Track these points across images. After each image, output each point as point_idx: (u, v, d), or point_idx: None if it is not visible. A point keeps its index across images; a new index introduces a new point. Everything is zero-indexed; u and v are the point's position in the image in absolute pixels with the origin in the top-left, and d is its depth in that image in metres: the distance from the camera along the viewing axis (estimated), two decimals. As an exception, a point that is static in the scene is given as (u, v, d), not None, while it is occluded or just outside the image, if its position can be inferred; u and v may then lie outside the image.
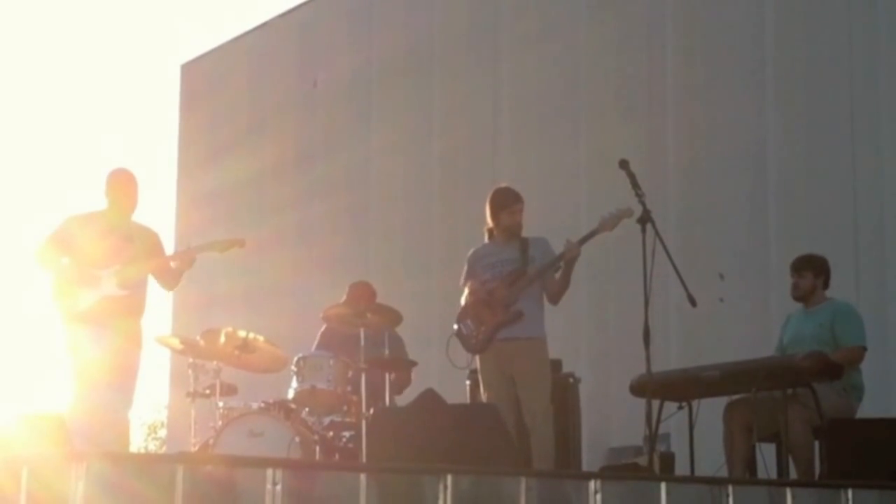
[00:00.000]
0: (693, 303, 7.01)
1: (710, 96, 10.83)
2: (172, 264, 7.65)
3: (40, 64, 40.84)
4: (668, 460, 8.04)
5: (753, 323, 9.82)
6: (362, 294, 8.45)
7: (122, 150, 39.02)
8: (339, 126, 14.07)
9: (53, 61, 41.88)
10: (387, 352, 7.90)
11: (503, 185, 7.75)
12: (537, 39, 12.22)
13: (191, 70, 16.29)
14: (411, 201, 13.19)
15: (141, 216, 7.69)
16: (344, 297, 8.50)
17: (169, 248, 7.97)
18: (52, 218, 7.59)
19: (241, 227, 13.97)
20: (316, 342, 8.62)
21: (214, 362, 7.86)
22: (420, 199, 13.08)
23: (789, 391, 7.09)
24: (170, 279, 7.60)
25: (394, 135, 13.50)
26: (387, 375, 7.85)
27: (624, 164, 7.15)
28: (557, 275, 7.40)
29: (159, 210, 17.34)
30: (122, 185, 7.57)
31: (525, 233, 7.52)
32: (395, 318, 7.94)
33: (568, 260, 7.26)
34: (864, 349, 7.57)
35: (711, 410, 7.54)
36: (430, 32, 13.30)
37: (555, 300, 7.47)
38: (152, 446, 26.54)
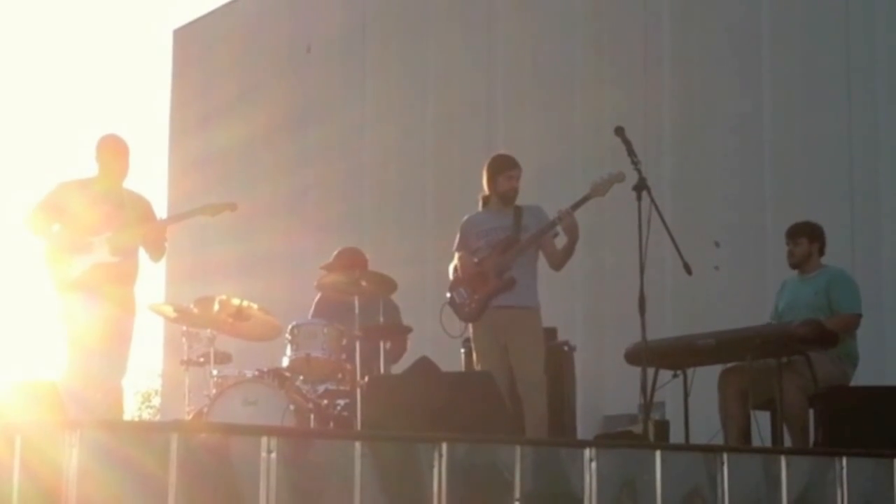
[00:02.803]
0: (688, 270, 7.00)
1: (705, 62, 10.80)
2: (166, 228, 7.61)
3: (32, 29, 40.65)
4: (662, 428, 8.04)
5: (749, 290, 9.82)
6: (352, 261, 8.42)
7: (115, 116, 38.92)
8: (333, 91, 14.01)
9: (45, 27, 41.68)
10: (381, 319, 7.87)
11: (501, 152, 7.72)
12: (532, 3, 12.16)
13: (183, 36, 16.21)
14: (405, 167, 13.16)
15: (133, 182, 7.66)
16: (331, 260, 8.47)
17: (161, 215, 7.92)
18: (45, 185, 7.55)
19: (234, 192, 13.88)
20: (311, 311, 8.59)
21: (208, 330, 7.83)
22: (414, 164, 13.04)
23: (784, 359, 7.09)
24: (158, 248, 7.56)
25: (387, 100, 13.45)
26: (382, 343, 7.83)
27: (620, 132, 7.10)
28: (559, 243, 7.37)
29: (151, 176, 17.30)
30: (112, 150, 7.52)
31: (519, 199, 7.49)
32: (389, 285, 7.91)
33: (566, 228, 7.23)
34: (860, 316, 7.56)
35: (706, 378, 7.54)
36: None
37: (558, 267, 7.45)
38: (146, 414, 26.57)
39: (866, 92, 9.76)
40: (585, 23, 11.70)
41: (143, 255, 7.55)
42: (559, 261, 7.41)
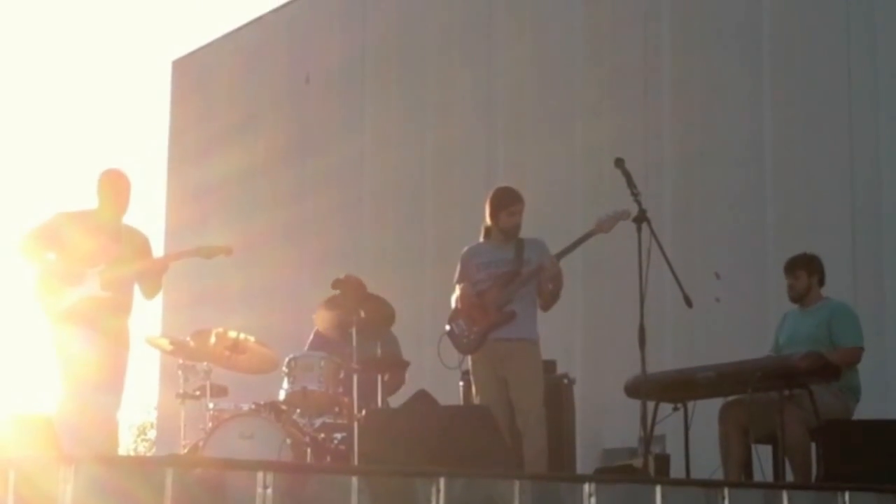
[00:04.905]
0: (689, 303, 6.96)
1: (706, 91, 10.79)
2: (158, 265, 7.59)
3: (33, 60, 40.77)
4: (663, 462, 7.96)
5: (750, 322, 9.77)
6: (353, 287, 8.40)
7: (114, 147, 38.98)
8: (332, 121, 14.01)
9: (46, 57, 41.80)
10: (379, 351, 7.82)
11: (505, 185, 7.69)
12: (532, 32, 12.18)
13: (182, 66, 16.22)
14: (404, 197, 13.14)
15: (131, 211, 7.64)
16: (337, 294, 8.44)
17: (158, 244, 7.91)
18: (44, 214, 7.53)
19: (232, 223, 13.92)
20: (308, 342, 8.54)
21: (205, 363, 7.78)
22: (413, 194, 13.02)
23: (786, 392, 7.03)
24: (153, 285, 7.53)
25: (387, 129, 13.44)
26: (380, 376, 7.77)
27: (619, 163, 7.09)
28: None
29: (149, 206, 17.27)
30: (114, 185, 7.52)
31: (521, 228, 7.47)
32: (387, 312, 7.85)
33: (550, 277, 7.23)
34: (861, 349, 7.51)
35: (707, 412, 7.48)
36: (424, 25, 13.24)
37: (545, 309, 7.44)
38: (141, 448, 26.47)
39: (868, 120, 9.74)
40: (585, 51, 11.70)
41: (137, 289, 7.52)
42: (546, 304, 7.41)
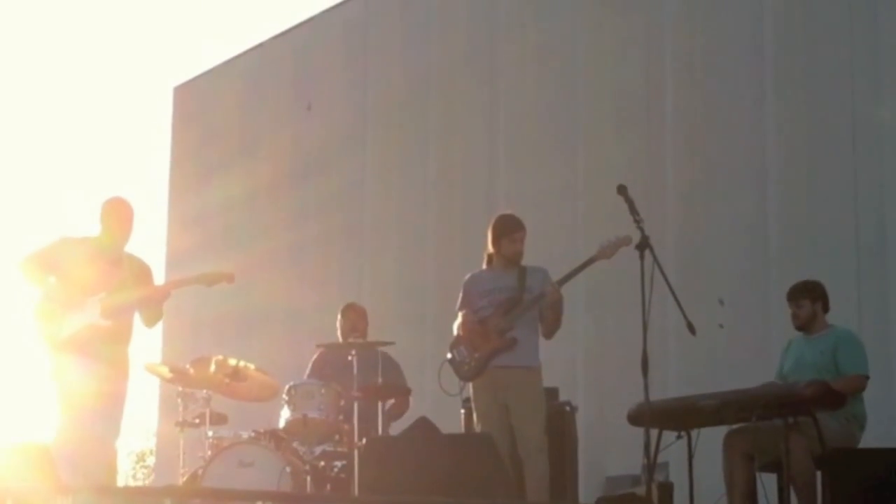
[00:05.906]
0: (692, 330, 6.93)
1: (709, 116, 10.75)
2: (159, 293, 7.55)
3: (34, 86, 40.86)
4: (666, 490, 7.91)
5: (754, 349, 9.70)
6: (358, 316, 8.41)
7: (114, 172, 39.00)
8: (334, 146, 13.97)
9: (46, 84, 41.89)
10: (380, 379, 7.77)
11: (507, 211, 7.67)
12: (534, 59, 12.15)
13: (183, 92, 16.20)
14: (406, 223, 13.09)
15: (132, 237, 7.59)
16: (339, 320, 8.44)
17: (158, 270, 7.88)
18: (44, 240, 7.48)
19: (233, 249, 13.87)
20: (308, 370, 8.50)
21: (204, 391, 7.75)
22: (415, 220, 12.98)
23: (790, 420, 6.98)
24: (154, 314, 7.49)
25: (388, 155, 13.40)
26: (381, 404, 7.73)
27: (622, 190, 7.07)
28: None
29: (150, 231, 17.21)
30: (117, 212, 7.49)
31: (523, 255, 7.43)
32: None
33: (550, 304, 7.21)
34: (866, 378, 7.47)
35: (711, 439, 7.43)
36: (426, 52, 13.22)
37: (547, 336, 7.41)
38: (140, 475, 26.36)
39: (873, 146, 9.71)
40: (587, 78, 11.67)
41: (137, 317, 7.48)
42: (548, 332, 7.38)
